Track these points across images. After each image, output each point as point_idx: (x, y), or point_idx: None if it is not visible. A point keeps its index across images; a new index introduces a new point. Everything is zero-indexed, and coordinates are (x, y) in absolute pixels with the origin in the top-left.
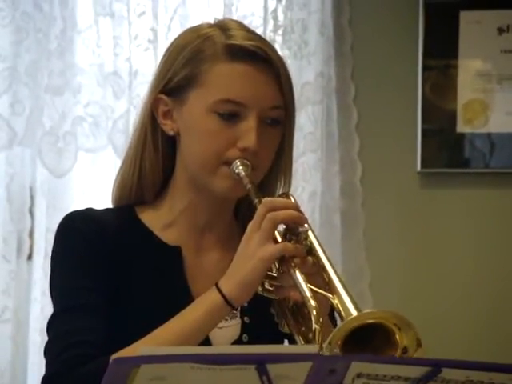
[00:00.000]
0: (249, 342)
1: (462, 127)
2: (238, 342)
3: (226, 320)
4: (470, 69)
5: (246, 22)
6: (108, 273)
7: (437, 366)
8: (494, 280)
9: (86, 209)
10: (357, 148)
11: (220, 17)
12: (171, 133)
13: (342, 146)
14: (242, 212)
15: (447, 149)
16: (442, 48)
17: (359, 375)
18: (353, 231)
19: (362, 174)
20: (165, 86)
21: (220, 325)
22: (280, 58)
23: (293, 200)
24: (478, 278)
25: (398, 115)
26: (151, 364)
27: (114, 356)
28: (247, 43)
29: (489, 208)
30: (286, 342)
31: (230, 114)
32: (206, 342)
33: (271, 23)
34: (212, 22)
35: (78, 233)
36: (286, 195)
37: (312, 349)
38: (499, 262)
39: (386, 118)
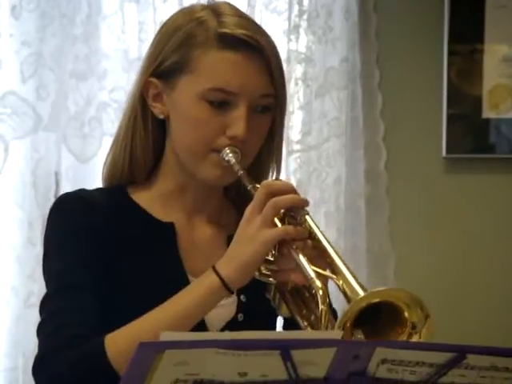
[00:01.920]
0: (244, 322)
1: (487, 112)
2: (233, 321)
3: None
4: (495, 54)
5: (270, 7)
6: (100, 252)
7: (461, 351)
8: None
9: (78, 190)
10: (381, 133)
11: (245, 2)
12: (161, 116)
13: (367, 131)
14: (230, 192)
15: (473, 134)
16: (467, 33)
17: (384, 361)
18: (377, 216)
19: (386, 159)
20: (156, 69)
21: None
22: (272, 46)
23: None
24: (504, 264)
25: (423, 100)
26: (176, 349)
27: (108, 336)
28: (239, 32)
29: None
30: (280, 320)
31: (220, 102)
32: (200, 321)
33: (296, 8)
34: (205, 3)
35: (69, 214)
36: (279, 180)
37: (336, 334)
38: None
39: (411, 104)
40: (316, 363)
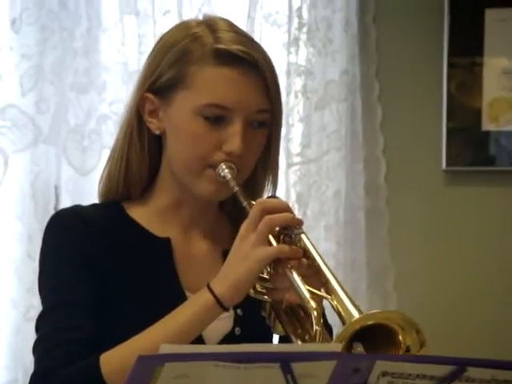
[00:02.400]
0: (241, 336)
1: (487, 125)
2: (231, 335)
3: None
4: (495, 67)
5: (270, 20)
6: (96, 269)
7: (462, 364)
8: None
9: (74, 206)
10: (381, 146)
11: (245, 14)
12: (157, 132)
13: (367, 144)
14: (227, 208)
15: (472, 147)
16: (467, 46)
17: (384, 374)
18: (377, 229)
19: (386, 172)
20: (152, 85)
21: None
22: (267, 61)
23: None
24: (505, 276)
25: (423, 113)
26: (176, 362)
27: (103, 355)
28: (235, 48)
29: None
30: (275, 335)
31: (216, 118)
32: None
33: (296, 21)
34: (201, 18)
35: (65, 231)
36: (275, 198)
37: (336, 347)
38: None
39: (411, 116)
40: (316, 376)
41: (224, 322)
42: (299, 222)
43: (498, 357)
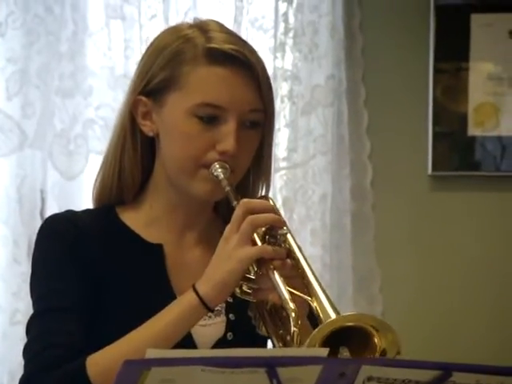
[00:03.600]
0: (234, 341)
1: (473, 130)
2: (223, 340)
3: (211, 317)
4: (481, 72)
5: (256, 25)
6: (88, 274)
7: (447, 369)
8: (505, 282)
9: (66, 211)
10: (367, 151)
11: (231, 19)
12: (150, 134)
13: (353, 148)
14: (222, 210)
15: (458, 152)
16: (453, 51)
17: (369, 378)
18: (363, 234)
19: (372, 176)
20: (144, 88)
21: (204, 322)
22: (260, 61)
23: (272, 203)
24: (489, 281)
25: (409, 118)
26: (162, 367)
27: (90, 357)
28: (227, 47)
29: (499, 211)
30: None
31: (210, 118)
32: (190, 340)
33: (282, 26)
34: (192, 21)
35: (56, 235)
36: (266, 198)
37: (322, 352)
38: (510, 264)
39: (397, 121)
40: (302, 380)
41: (216, 327)
42: (282, 223)
43: (485, 360)
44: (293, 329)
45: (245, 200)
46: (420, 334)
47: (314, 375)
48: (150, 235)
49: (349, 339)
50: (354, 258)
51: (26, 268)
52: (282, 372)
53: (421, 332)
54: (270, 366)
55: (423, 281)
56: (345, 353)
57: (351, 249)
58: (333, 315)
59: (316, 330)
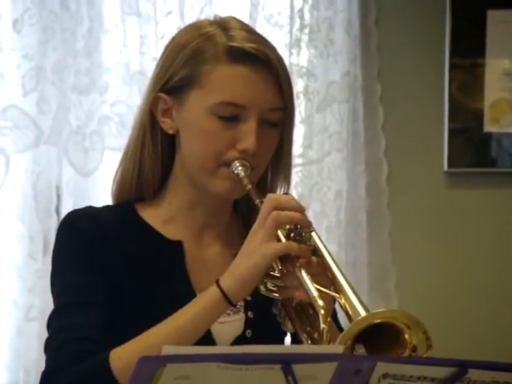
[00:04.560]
0: (252, 338)
1: (488, 126)
2: (242, 337)
3: (229, 315)
4: (497, 68)
5: (272, 21)
6: (107, 270)
7: (463, 366)
8: None
9: (87, 207)
10: (383, 147)
11: (246, 15)
12: (170, 131)
13: (368, 145)
14: (241, 208)
15: (474, 148)
16: (469, 47)
17: (385, 375)
18: (379, 231)
19: (387, 173)
20: (164, 85)
21: (223, 320)
22: (280, 60)
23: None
24: (506, 278)
25: (425, 114)
26: (177, 363)
27: (113, 351)
28: (248, 45)
29: None
30: (288, 338)
31: (230, 116)
32: (209, 337)
33: (297, 22)
34: (212, 18)
35: (78, 231)
36: (287, 195)
37: (337, 349)
38: None
39: (413, 118)
40: (317, 378)
41: (235, 325)
42: (308, 222)
43: (500, 356)
44: (322, 326)
45: (271, 195)
46: (435, 331)
47: (330, 372)
48: (169, 232)
49: (379, 334)
50: (369, 254)
51: (41, 264)
52: (298, 369)
53: (436, 329)
54: (286, 362)
55: (438, 277)
56: (360, 350)
57: (366, 246)
58: (362, 312)
59: (347, 326)
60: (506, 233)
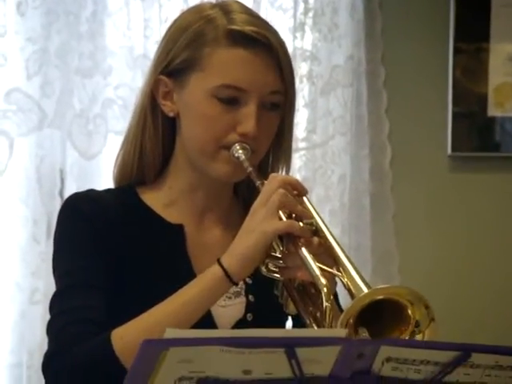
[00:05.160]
0: (253, 322)
1: (492, 111)
2: (243, 321)
3: (230, 298)
4: (501, 52)
5: (276, 5)
6: (109, 252)
7: (466, 350)
8: None
9: (88, 190)
10: (386, 131)
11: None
12: (171, 114)
13: (372, 129)
14: (242, 191)
15: (478, 132)
16: (473, 31)
17: (388, 359)
18: (382, 214)
19: (391, 157)
20: (165, 68)
21: (224, 303)
22: (281, 43)
23: None
24: (509, 263)
25: (429, 98)
26: (180, 347)
27: (114, 331)
28: (248, 28)
29: None
30: (289, 321)
31: (230, 99)
32: (210, 320)
33: (302, 6)
34: (214, 1)
35: (79, 213)
36: (291, 177)
37: (340, 332)
38: None
39: (417, 102)
40: (321, 361)
41: (236, 308)
42: (304, 190)
43: (502, 341)
44: (325, 304)
45: (274, 174)
46: (438, 315)
47: (333, 356)
48: (170, 215)
49: (382, 313)
50: (372, 238)
51: (45, 247)
52: (301, 352)
53: (439, 313)
54: (289, 346)
55: (441, 262)
56: (364, 334)
57: (370, 229)
58: (364, 289)
59: (350, 303)
60: (509, 217)
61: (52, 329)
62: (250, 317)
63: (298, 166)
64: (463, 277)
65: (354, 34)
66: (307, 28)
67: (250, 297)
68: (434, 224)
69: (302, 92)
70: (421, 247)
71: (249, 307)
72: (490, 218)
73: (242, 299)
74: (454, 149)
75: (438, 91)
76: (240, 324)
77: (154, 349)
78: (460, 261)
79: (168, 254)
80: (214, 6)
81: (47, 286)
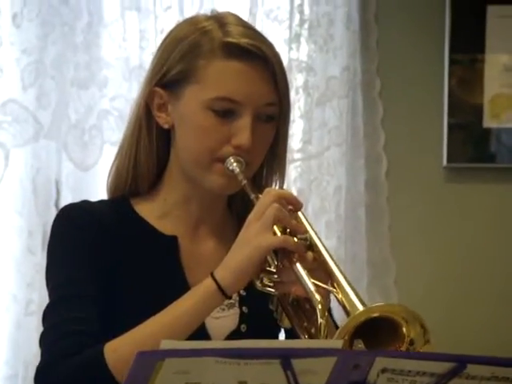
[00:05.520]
0: (247, 333)
1: (488, 122)
2: (236, 332)
3: (224, 310)
4: (496, 63)
5: (271, 16)
6: (103, 264)
7: (462, 361)
8: None
9: (82, 201)
10: (382, 142)
11: (246, 10)
12: (166, 126)
13: (368, 140)
14: (236, 203)
15: (473, 143)
16: (468, 42)
17: (384, 370)
18: (378, 225)
19: (387, 168)
20: (160, 79)
21: (217, 315)
22: (276, 55)
23: None
24: (505, 273)
25: (424, 109)
26: (176, 358)
27: (107, 344)
28: (244, 41)
29: None
30: (282, 333)
31: (225, 111)
32: (203, 332)
33: (297, 17)
34: (209, 13)
35: (73, 224)
36: (286, 190)
37: (336, 344)
38: None
39: (412, 113)
40: (316, 372)
41: (230, 320)
42: (299, 204)
43: (498, 352)
44: (320, 320)
45: (269, 189)
46: (434, 326)
47: (329, 367)
48: (164, 227)
49: (377, 329)
50: (368, 249)
51: (40, 259)
52: (297, 363)
53: (435, 324)
54: (285, 357)
55: (438, 273)
56: (359, 345)
57: (366, 241)
58: (360, 307)
59: (345, 321)
60: (504, 228)
61: (45, 341)
62: (243, 328)
63: (294, 177)
64: (459, 287)
65: (349, 45)
66: (303, 39)
67: (244, 308)
68: (430, 235)
69: (298, 103)
70: (417, 258)
71: (242, 318)
72: (485, 229)
73: (236, 310)
74: (449, 160)
75: (434, 102)
76: (233, 335)
77: (149, 360)
78: (456, 271)
79: (162, 266)
80: (209, 18)
81: (42, 297)
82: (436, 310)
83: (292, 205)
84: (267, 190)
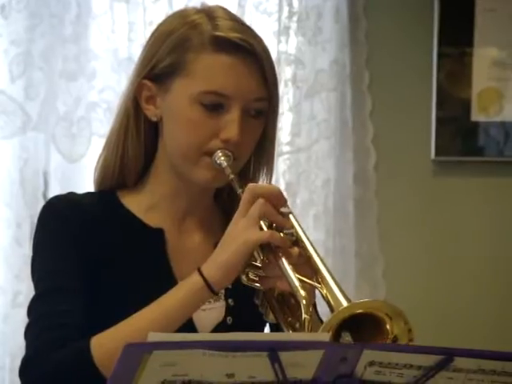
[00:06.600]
0: (233, 325)
1: (476, 115)
2: (222, 324)
3: (210, 302)
4: (485, 57)
5: (261, 8)
6: (89, 257)
7: (449, 354)
8: (508, 268)
9: (68, 193)
10: (371, 135)
11: (235, 3)
12: (154, 119)
13: (356, 133)
14: (222, 197)
15: (461, 137)
16: (457, 36)
17: (371, 363)
18: (366, 219)
19: (375, 161)
20: (149, 72)
21: (204, 307)
22: (265, 50)
23: None
24: (492, 267)
25: (413, 103)
26: (163, 350)
27: (94, 338)
28: (233, 35)
29: (502, 196)
30: (267, 326)
31: (214, 105)
32: (190, 324)
33: (286, 10)
34: (199, 7)
35: (59, 217)
36: (270, 185)
37: (323, 337)
38: None
39: (401, 106)
40: (304, 365)
41: (216, 312)
42: (283, 201)
43: (486, 346)
44: (304, 316)
45: (252, 185)
46: (423, 320)
47: (316, 360)
48: (150, 220)
49: (360, 325)
50: (356, 243)
51: (28, 250)
52: (284, 356)
53: (423, 317)
54: (272, 350)
55: (426, 266)
56: (346, 338)
57: (354, 234)
58: (344, 302)
59: (329, 317)
60: (492, 221)
61: (29, 334)
62: (229, 320)
63: (282, 170)
64: (448, 279)
65: (338, 38)
66: (292, 32)
67: (230, 300)
68: (418, 228)
69: (287, 96)
70: (405, 251)
71: (228, 311)
72: (473, 222)
73: (222, 303)
74: (437, 153)
75: (422, 95)
76: (220, 327)
77: (136, 352)
78: (444, 264)
79: (148, 258)
80: (198, 11)
81: (30, 289)
82: (424, 303)
83: (278, 200)
84: (249, 186)
